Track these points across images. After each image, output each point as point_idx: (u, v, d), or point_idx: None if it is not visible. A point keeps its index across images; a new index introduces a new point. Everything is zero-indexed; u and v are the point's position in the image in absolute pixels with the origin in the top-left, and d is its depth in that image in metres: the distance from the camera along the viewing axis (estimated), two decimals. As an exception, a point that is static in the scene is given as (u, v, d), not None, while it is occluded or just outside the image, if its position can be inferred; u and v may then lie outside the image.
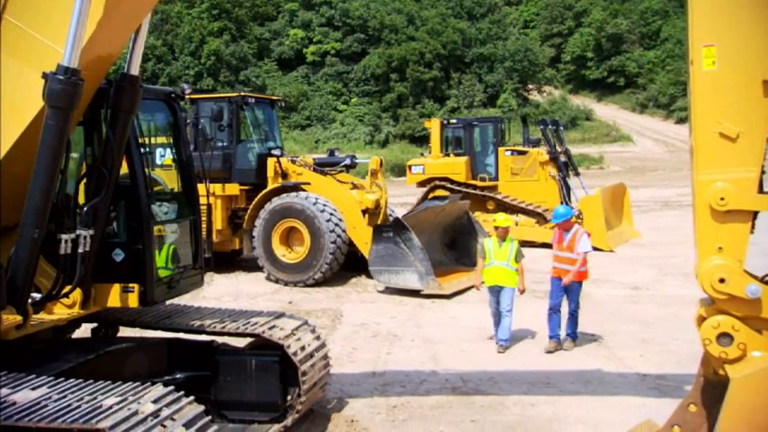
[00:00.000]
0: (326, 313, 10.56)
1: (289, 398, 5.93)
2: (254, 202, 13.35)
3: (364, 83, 56.26)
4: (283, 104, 15.62)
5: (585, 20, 66.61)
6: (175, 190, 6.42)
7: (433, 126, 19.12)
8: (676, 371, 7.30)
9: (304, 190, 13.12)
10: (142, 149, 5.60)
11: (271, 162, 13.49)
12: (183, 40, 53.02)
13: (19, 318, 4.76)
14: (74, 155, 5.28)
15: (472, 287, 10.12)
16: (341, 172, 14.16)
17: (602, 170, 42.87)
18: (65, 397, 4.20)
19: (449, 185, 17.75)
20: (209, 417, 4.40)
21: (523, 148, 18.53)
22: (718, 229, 3.80)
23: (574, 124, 54.82)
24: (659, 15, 65.14)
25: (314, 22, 58.63)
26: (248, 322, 6.04)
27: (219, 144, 13.44)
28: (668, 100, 59.09)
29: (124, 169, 5.53)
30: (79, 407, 4.06)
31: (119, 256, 5.53)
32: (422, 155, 21.08)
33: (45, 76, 4.46)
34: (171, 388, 4.41)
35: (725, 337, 3.78)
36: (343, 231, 12.63)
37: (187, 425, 4.14)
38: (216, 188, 12.94)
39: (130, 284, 5.49)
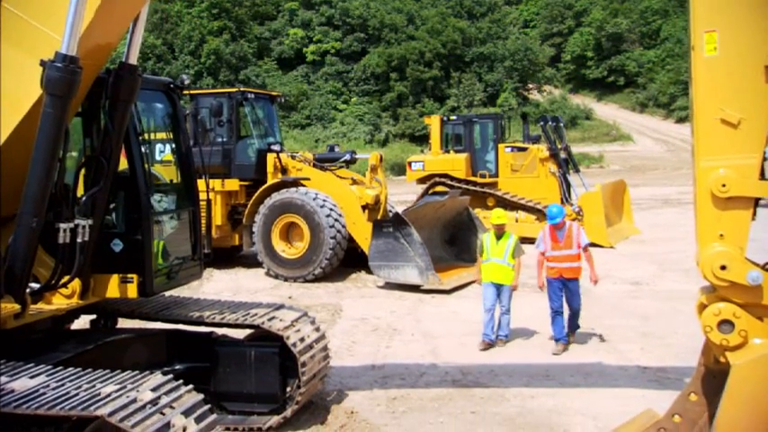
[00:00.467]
0: (326, 308, 10.55)
1: (288, 389, 5.93)
2: (253, 198, 13.33)
3: (364, 82, 56.21)
4: (283, 100, 15.59)
5: (585, 19, 66.55)
6: (175, 182, 6.41)
7: (433, 123, 19.11)
8: (677, 363, 7.28)
9: (304, 185, 13.11)
10: (141, 139, 5.59)
11: (270, 157, 13.47)
12: (182, 40, 52.99)
13: (17, 307, 4.74)
14: (73, 145, 5.27)
15: (472, 283, 10.11)
16: (341, 168, 14.14)
17: (602, 169, 42.80)
18: (63, 385, 4.18)
19: (449, 182, 17.73)
20: (209, 405, 4.38)
21: (524, 144, 18.51)
22: (719, 215, 3.77)
23: (574, 123, 54.74)
24: (659, 15, 65.06)
25: (314, 21, 58.57)
26: (248, 313, 6.03)
27: (219, 140, 13.41)
28: (668, 99, 59.01)
29: (124, 164, 5.53)
30: (77, 394, 4.05)
31: (118, 246, 5.52)
32: (422, 152, 21.06)
33: (43, 63, 4.45)
34: (170, 376, 4.39)
35: (726, 325, 3.75)
36: (343, 227, 12.62)
37: (186, 413, 4.11)
38: (215, 184, 12.93)
39: (129, 275, 5.48)
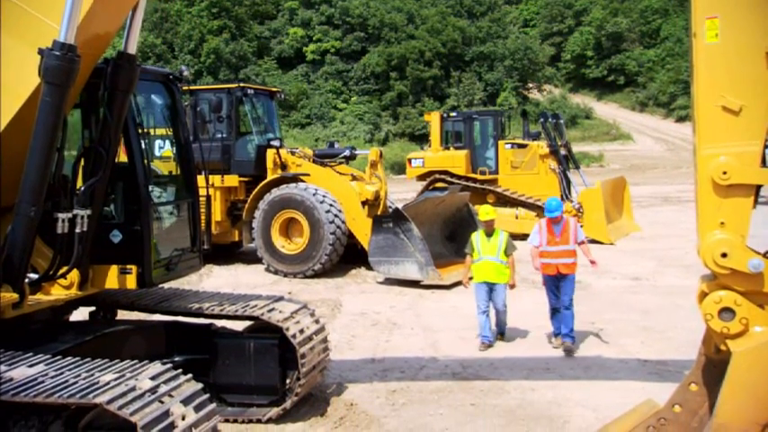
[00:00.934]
0: (326, 303, 10.53)
1: (288, 381, 5.91)
2: (253, 194, 13.32)
3: (364, 81, 56.17)
4: (282, 97, 15.56)
5: (585, 18, 66.53)
6: (174, 173, 6.39)
7: (433, 119, 19.08)
8: (677, 357, 7.26)
9: (303, 181, 13.10)
10: (140, 130, 5.57)
11: (270, 153, 13.46)
12: (182, 39, 52.99)
13: (15, 296, 4.72)
14: (72, 136, 5.25)
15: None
16: (340, 164, 14.13)
17: (602, 168, 42.78)
18: (62, 373, 4.17)
19: (449, 179, 17.72)
20: (208, 394, 4.37)
21: (524, 141, 18.48)
22: (720, 203, 3.75)
23: (574, 123, 54.70)
24: (659, 14, 65.04)
25: (314, 20, 58.52)
26: (247, 305, 6.01)
27: (218, 135, 13.39)
28: (668, 98, 58.99)
29: (124, 158, 5.51)
30: (76, 383, 4.04)
31: (116, 237, 5.50)
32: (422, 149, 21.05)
33: (41, 51, 4.43)
34: (169, 365, 4.38)
35: (727, 312, 3.74)
36: (343, 222, 12.60)
37: (185, 401, 4.11)
38: (215, 180, 12.90)
39: (128, 266, 5.47)
